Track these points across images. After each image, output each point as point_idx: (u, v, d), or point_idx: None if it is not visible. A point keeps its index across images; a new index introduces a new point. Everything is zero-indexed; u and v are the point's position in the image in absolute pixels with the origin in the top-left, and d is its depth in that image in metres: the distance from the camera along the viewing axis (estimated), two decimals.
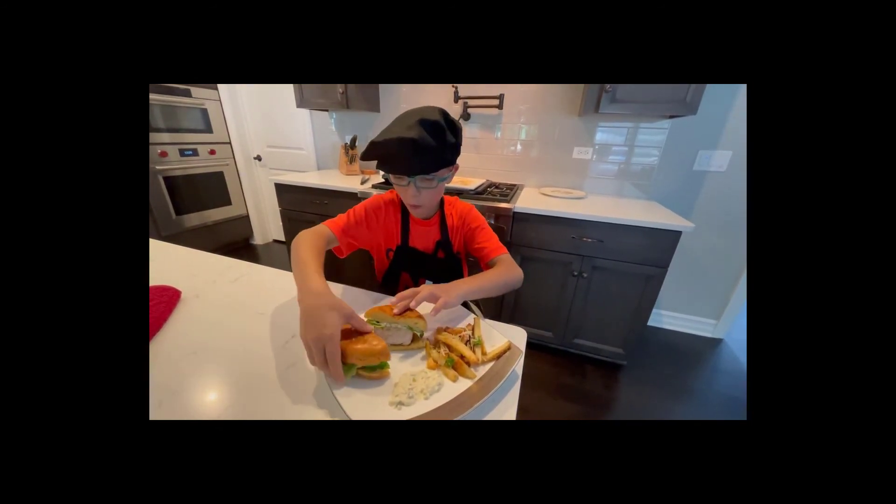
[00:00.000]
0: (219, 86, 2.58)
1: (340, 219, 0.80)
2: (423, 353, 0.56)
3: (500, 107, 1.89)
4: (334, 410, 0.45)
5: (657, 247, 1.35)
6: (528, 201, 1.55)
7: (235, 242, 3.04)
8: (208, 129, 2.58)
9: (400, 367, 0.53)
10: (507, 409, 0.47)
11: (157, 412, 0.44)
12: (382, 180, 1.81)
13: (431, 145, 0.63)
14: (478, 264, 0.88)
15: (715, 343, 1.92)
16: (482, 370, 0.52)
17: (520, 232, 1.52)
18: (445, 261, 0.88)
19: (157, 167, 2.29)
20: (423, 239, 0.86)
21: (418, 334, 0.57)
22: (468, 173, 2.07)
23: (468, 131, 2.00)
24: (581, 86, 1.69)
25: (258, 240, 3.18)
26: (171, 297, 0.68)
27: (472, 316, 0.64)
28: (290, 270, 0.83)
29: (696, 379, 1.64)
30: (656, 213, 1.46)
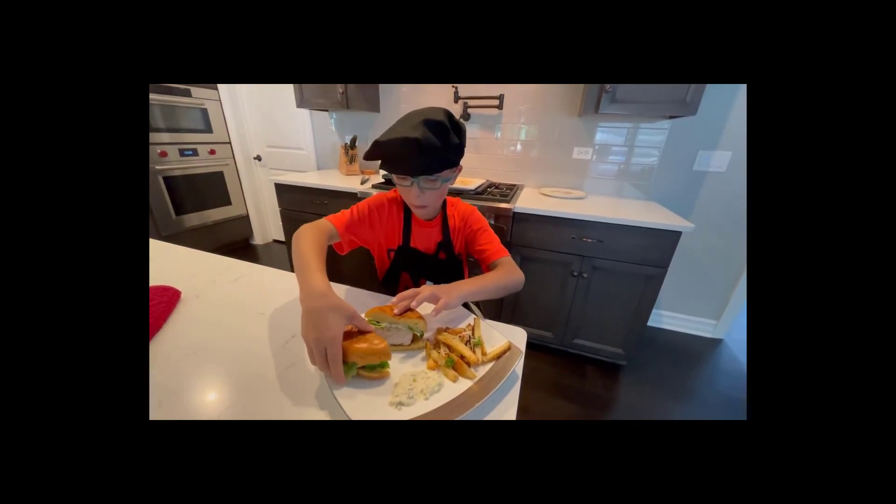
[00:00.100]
0: (219, 86, 2.58)
1: (344, 215, 0.79)
2: (424, 353, 0.56)
3: (500, 107, 1.89)
4: (334, 411, 0.45)
5: (657, 247, 1.35)
6: (527, 201, 1.56)
7: (235, 242, 3.04)
8: (208, 129, 2.58)
9: (400, 367, 0.53)
10: (507, 409, 0.47)
11: (156, 412, 0.44)
12: (382, 180, 1.81)
13: (435, 146, 0.63)
14: (478, 265, 0.88)
15: (715, 343, 1.92)
16: (482, 370, 0.52)
17: (520, 232, 1.52)
18: (446, 262, 0.87)
19: (157, 167, 2.29)
20: (425, 240, 0.86)
21: (418, 334, 0.57)
22: (468, 173, 2.07)
23: (468, 131, 2.00)
24: (581, 86, 1.69)
25: (258, 240, 3.18)
26: (171, 297, 0.68)
27: (473, 316, 0.64)
28: (291, 271, 0.83)
29: (695, 379, 1.64)
30: (656, 213, 1.46)
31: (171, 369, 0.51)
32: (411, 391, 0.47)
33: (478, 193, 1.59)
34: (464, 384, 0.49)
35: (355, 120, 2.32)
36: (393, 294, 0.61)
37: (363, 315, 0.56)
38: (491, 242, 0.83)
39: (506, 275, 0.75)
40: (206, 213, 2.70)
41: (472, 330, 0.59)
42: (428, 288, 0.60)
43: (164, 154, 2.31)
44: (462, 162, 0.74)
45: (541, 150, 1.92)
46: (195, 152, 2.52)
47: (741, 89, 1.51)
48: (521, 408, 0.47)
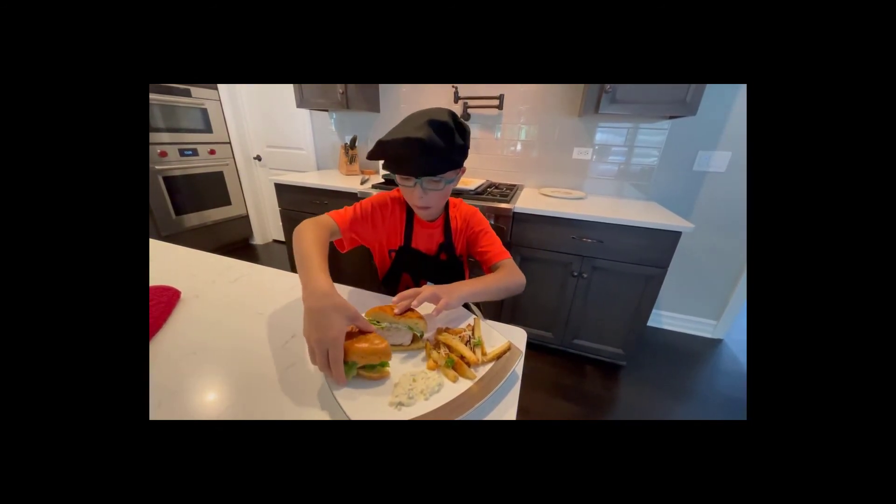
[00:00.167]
0: (219, 86, 2.58)
1: (347, 211, 0.78)
2: (424, 353, 0.56)
3: (500, 107, 1.89)
4: (334, 411, 0.45)
5: (657, 247, 1.35)
6: (527, 202, 1.56)
7: (235, 242, 3.04)
8: (208, 129, 2.58)
9: (400, 367, 0.53)
10: (507, 409, 0.47)
11: (156, 412, 0.44)
12: (382, 180, 1.81)
13: (439, 146, 0.63)
14: (479, 266, 0.87)
15: (715, 343, 1.93)
16: (482, 371, 0.52)
17: (520, 232, 1.52)
18: (447, 263, 0.87)
19: (157, 167, 2.29)
20: (427, 241, 0.85)
21: (418, 335, 0.57)
22: (468, 173, 2.07)
23: None
24: (581, 86, 1.69)
25: (258, 240, 3.18)
26: (171, 297, 0.68)
27: (473, 316, 0.64)
28: (291, 271, 0.83)
29: (695, 379, 1.64)
30: (656, 213, 1.46)
31: (171, 369, 0.51)
32: (411, 391, 0.47)
33: (478, 194, 1.59)
34: (464, 384, 0.49)
35: (355, 120, 2.32)
36: (393, 294, 0.61)
37: (363, 314, 0.56)
38: (493, 244, 0.83)
39: (507, 277, 0.75)
40: (206, 213, 2.70)
41: (472, 330, 0.59)
42: (429, 288, 0.60)
43: (163, 154, 2.31)
44: (463, 162, 0.73)
45: (541, 150, 1.92)
46: (195, 152, 2.52)
47: (741, 89, 1.51)
48: (521, 408, 0.47)
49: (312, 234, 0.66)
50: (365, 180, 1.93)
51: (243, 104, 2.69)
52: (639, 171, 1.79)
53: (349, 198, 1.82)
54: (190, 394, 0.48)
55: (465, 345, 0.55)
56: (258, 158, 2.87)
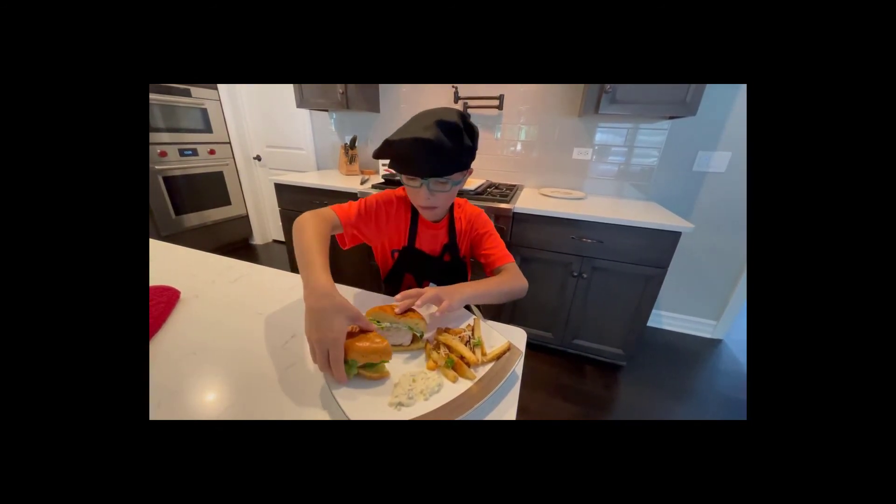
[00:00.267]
0: (219, 86, 2.58)
1: (351, 207, 0.77)
2: (424, 353, 0.56)
3: (500, 107, 1.89)
4: (334, 411, 0.45)
5: (657, 247, 1.35)
6: (527, 202, 1.56)
7: (235, 242, 3.04)
8: (208, 129, 2.57)
9: (400, 367, 0.53)
10: (506, 409, 0.47)
11: (156, 412, 0.43)
12: (382, 180, 1.81)
13: (448, 147, 0.61)
14: (481, 268, 0.87)
15: (714, 344, 1.93)
16: (482, 371, 0.52)
17: (520, 232, 1.52)
18: (451, 264, 0.86)
19: (157, 167, 2.29)
20: (431, 241, 0.84)
21: (418, 335, 0.57)
22: None
23: None
24: (581, 86, 1.69)
25: (258, 240, 3.18)
26: (171, 297, 0.68)
27: (472, 317, 0.64)
28: (291, 271, 0.83)
29: (695, 380, 1.64)
30: (656, 213, 1.46)
31: (171, 369, 0.51)
32: (411, 392, 0.47)
33: (478, 194, 1.59)
34: (463, 385, 0.49)
35: (355, 120, 2.32)
36: (395, 294, 0.61)
37: (364, 314, 0.56)
38: (496, 247, 0.82)
39: (509, 281, 0.74)
40: (206, 213, 2.69)
41: (472, 330, 0.59)
42: (431, 289, 0.60)
43: (163, 154, 2.31)
44: (471, 164, 0.71)
45: (541, 150, 1.92)
46: (195, 152, 2.52)
47: (741, 89, 1.51)
48: (521, 408, 0.47)
49: (314, 229, 0.64)
50: (365, 180, 1.93)
51: (243, 104, 2.69)
52: (639, 172, 1.79)
53: (349, 198, 1.82)
54: (190, 394, 0.48)
55: (465, 345, 0.55)
56: (258, 158, 2.87)
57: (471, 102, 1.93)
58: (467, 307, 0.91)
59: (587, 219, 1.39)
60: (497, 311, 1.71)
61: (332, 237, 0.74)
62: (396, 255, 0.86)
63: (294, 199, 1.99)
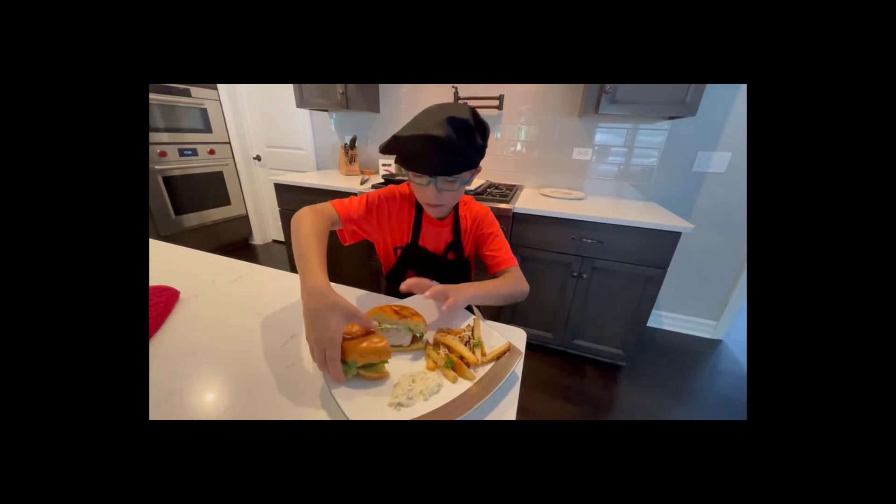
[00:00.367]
0: (218, 86, 2.58)
1: (352, 202, 0.75)
2: (423, 354, 0.56)
3: (500, 107, 1.89)
4: (333, 411, 0.45)
5: (656, 248, 1.35)
6: (527, 202, 1.56)
7: (235, 242, 3.04)
8: (208, 129, 2.57)
9: (399, 368, 0.53)
10: (506, 409, 0.47)
11: (155, 412, 0.43)
12: (382, 181, 1.81)
13: (458, 146, 0.59)
14: (484, 268, 0.86)
15: (714, 344, 1.93)
16: (482, 371, 0.52)
17: (519, 232, 1.52)
18: (454, 263, 0.85)
19: (157, 167, 2.29)
20: (434, 239, 0.83)
21: (418, 335, 0.57)
22: None
23: None
24: (581, 86, 1.69)
25: (257, 240, 3.18)
26: (170, 297, 0.68)
27: (472, 317, 0.64)
28: (290, 271, 0.83)
29: (695, 380, 1.64)
30: (656, 213, 1.46)
31: (170, 369, 0.51)
32: (410, 392, 0.47)
33: (478, 194, 1.59)
34: (463, 385, 0.49)
35: (355, 120, 2.32)
36: (397, 290, 0.60)
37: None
38: (501, 249, 0.81)
39: (512, 283, 0.74)
40: (206, 213, 2.69)
41: (472, 330, 0.59)
42: (438, 285, 0.60)
43: (163, 154, 2.31)
44: (480, 162, 0.70)
45: (541, 150, 1.92)
46: (195, 152, 2.51)
47: (741, 89, 1.51)
48: (521, 408, 0.47)
49: (311, 226, 0.62)
50: (365, 180, 1.92)
51: (243, 104, 2.69)
52: (638, 172, 1.79)
53: None
54: (189, 394, 0.48)
55: (465, 345, 0.55)
56: (258, 158, 2.87)
57: (471, 102, 1.92)
58: (468, 307, 0.91)
59: (587, 219, 1.39)
60: (497, 312, 1.71)
61: (333, 232, 0.73)
62: (399, 252, 0.85)
63: (294, 200, 1.99)
